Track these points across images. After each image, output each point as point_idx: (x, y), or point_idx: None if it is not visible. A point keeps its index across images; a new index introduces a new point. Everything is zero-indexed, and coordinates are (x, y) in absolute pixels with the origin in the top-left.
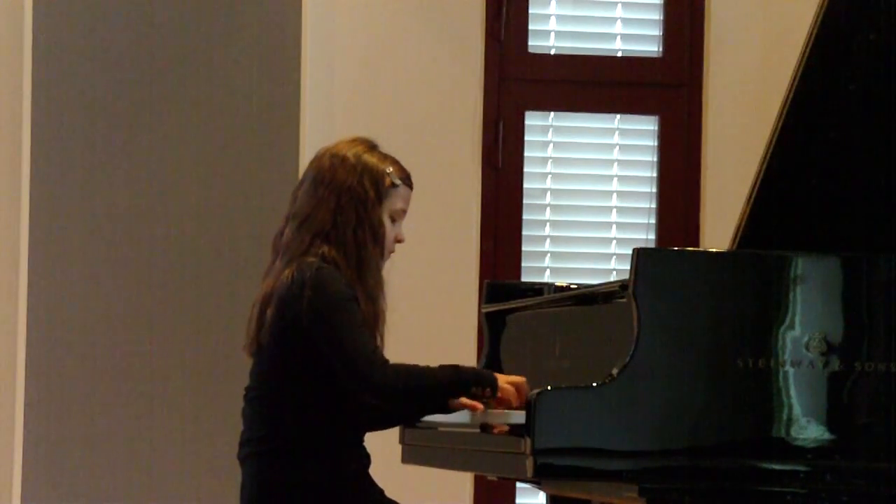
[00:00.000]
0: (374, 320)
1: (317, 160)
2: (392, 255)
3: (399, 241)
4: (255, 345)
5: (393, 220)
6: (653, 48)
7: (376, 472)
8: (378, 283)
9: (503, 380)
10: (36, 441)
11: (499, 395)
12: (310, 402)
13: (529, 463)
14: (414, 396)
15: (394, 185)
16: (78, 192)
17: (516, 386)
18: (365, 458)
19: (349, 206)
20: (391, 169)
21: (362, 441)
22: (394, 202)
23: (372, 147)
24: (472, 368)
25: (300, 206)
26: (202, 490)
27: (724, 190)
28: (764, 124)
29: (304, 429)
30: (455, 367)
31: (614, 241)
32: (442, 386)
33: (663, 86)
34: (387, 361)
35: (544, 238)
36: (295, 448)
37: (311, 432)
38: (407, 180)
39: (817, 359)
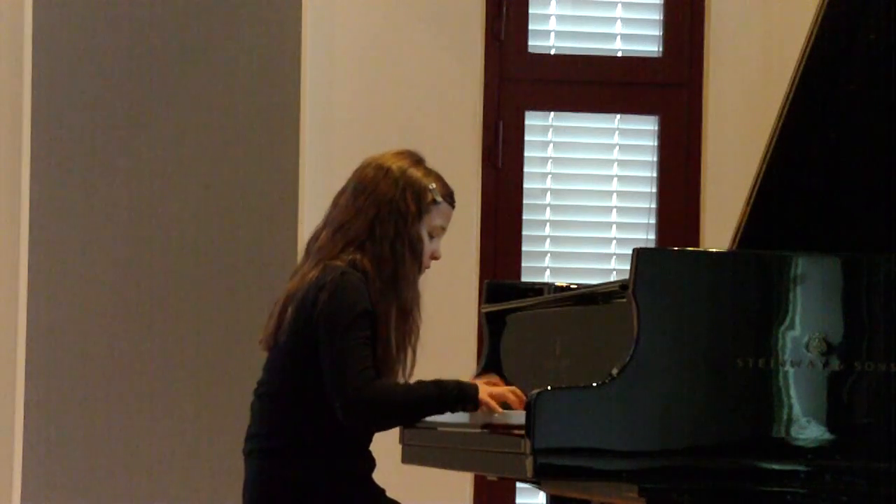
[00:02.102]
0: (406, 334)
1: (361, 169)
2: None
3: (435, 258)
4: (273, 341)
5: (431, 237)
6: (653, 48)
7: (376, 471)
8: (414, 298)
9: (484, 393)
10: (36, 441)
11: (482, 408)
12: (318, 403)
13: (529, 463)
14: (388, 422)
15: (435, 202)
16: (78, 192)
17: (498, 397)
18: (369, 462)
19: (388, 219)
20: (434, 185)
21: (368, 445)
22: (433, 218)
23: (417, 161)
24: (456, 387)
25: (339, 212)
26: (202, 490)
27: (724, 190)
28: (764, 124)
29: (310, 429)
30: (434, 389)
31: (614, 241)
32: (419, 410)
33: (663, 86)
34: (368, 386)
35: (544, 238)
36: (299, 447)
37: (317, 433)
38: (449, 198)
39: (817, 359)
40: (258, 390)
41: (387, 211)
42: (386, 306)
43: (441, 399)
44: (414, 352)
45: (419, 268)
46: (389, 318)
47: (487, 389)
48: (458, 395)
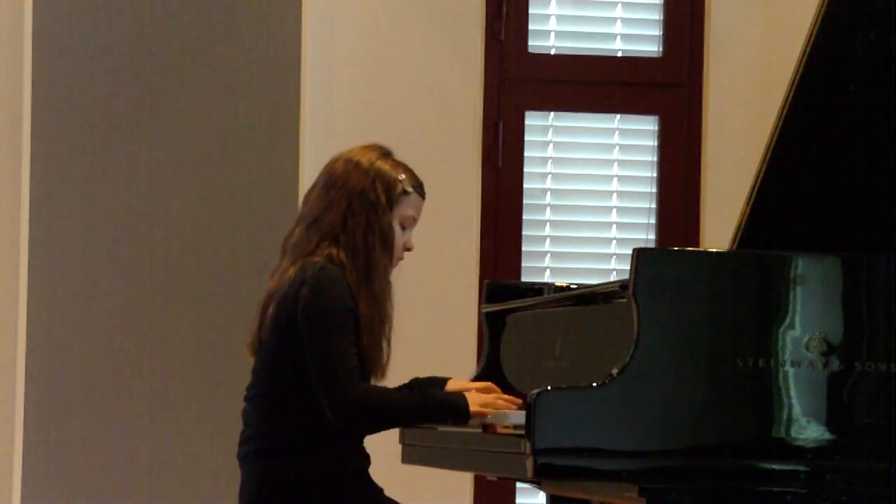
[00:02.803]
0: (379, 325)
1: (330, 164)
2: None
3: (408, 249)
4: (257, 342)
5: (403, 228)
6: (653, 48)
7: (376, 471)
8: (385, 288)
9: (475, 405)
10: (36, 441)
11: (473, 419)
12: (309, 400)
13: (529, 463)
14: (375, 426)
15: (405, 193)
16: (78, 192)
17: (489, 405)
18: (364, 458)
19: (360, 210)
20: (404, 176)
21: (362, 441)
22: (404, 209)
23: (386, 154)
24: (445, 399)
25: (311, 207)
26: (202, 490)
27: (724, 190)
28: (764, 124)
29: (303, 427)
30: (425, 402)
31: (614, 241)
32: (408, 420)
33: (663, 86)
34: (357, 386)
35: (544, 238)
36: (294, 446)
37: (311, 430)
38: (419, 189)
39: (817, 359)
40: (248, 394)
41: (358, 202)
42: (361, 297)
43: (429, 411)
44: (389, 342)
45: (390, 258)
46: (364, 309)
47: (477, 399)
48: (447, 410)
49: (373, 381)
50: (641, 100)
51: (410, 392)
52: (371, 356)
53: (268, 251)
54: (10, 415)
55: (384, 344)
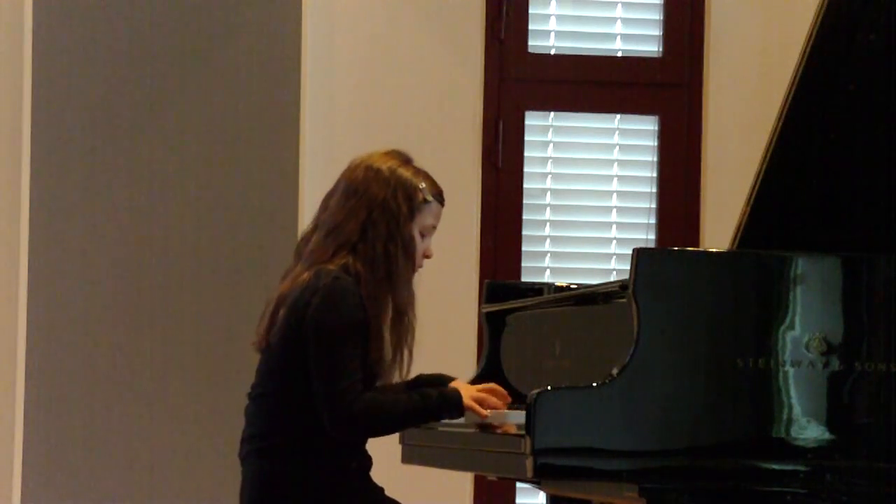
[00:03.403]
0: (402, 336)
1: (350, 170)
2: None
3: (427, 256)
4: (265, 343)
5: (422, 236)
6: (653, 48)
7: (376, 471)
8: (409, 299)
9: (467, 396)
10: (36, 441)
11: (468, 413)
12: (311, 403)
13: (529, 463)
14: (375, 435)
15: (426, 201)
16: (78, 192)
17: (481, 399)
18: (366, 459)
19: (381, 220)
20: (424, 185)
21: (364, 442)
22: (425, 218)
23: (406, 161)
24: (439, 397)
25: (329, 214)
26: (202, 490)
27: (724, 190)
28: (764, 124)
29: (305, 427)
30: (422, 405)
31: (614, 241)
32: (408, 424)
33: (663, 86)
34: (357, 401)
35: (544, 238)
36: (295, 446)
37: (313, 431)
38: (439, 197)
39: (817, 359)
40: (252, 393)
41: (379, 212)
42: (380, 308)
43: (425, 410)
44: (410, 352)
45: (412, 268)
46: (385, 319)
47: (470, 393)
48: (441, 405)
49: (381, 384)
50: (641, 100)
51: (407, 395)
52: (387, 368)
53: (268, 251)
54: (10, 415)
55: (405, 353)
